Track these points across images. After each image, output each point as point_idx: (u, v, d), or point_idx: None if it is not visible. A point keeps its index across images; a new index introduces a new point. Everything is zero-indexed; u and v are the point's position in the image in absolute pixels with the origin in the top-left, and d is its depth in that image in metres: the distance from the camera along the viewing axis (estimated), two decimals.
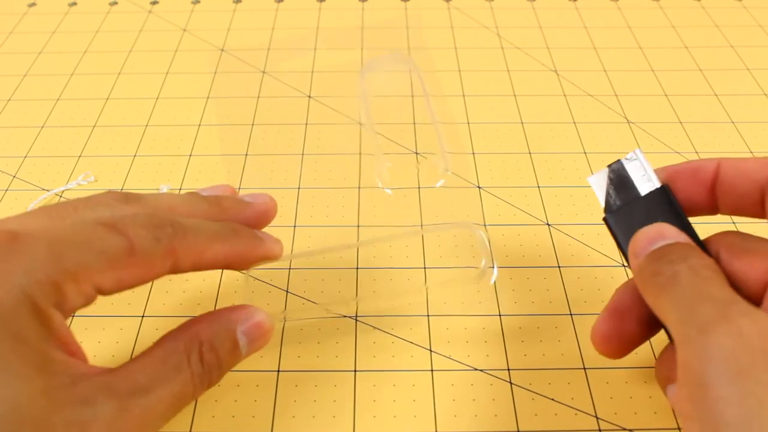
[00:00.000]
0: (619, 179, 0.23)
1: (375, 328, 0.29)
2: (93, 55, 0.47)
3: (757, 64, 0.46)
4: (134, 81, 0.45)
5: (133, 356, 0.20)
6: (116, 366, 0.19)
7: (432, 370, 0.27)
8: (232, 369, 0.22)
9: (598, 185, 0.24)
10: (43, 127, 0.41)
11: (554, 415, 0.26)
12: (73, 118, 0.41)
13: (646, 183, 0.23)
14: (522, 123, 0.41)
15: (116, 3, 0.53)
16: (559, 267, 0.32)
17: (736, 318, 0.17)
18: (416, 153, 0.38)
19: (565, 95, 0.43)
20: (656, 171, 0.23)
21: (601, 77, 0.45)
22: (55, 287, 0.18)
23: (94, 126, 0.41)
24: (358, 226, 0.34)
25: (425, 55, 0.47)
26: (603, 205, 0.23)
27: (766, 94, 0.43)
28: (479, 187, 0.36)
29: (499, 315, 0.29)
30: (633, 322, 0.22)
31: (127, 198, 0.23)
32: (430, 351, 0.28)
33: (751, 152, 0.39)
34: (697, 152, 0.38)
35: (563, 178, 0.37)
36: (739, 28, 0.50)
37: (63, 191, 0.36)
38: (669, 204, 0.23)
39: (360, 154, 0.38)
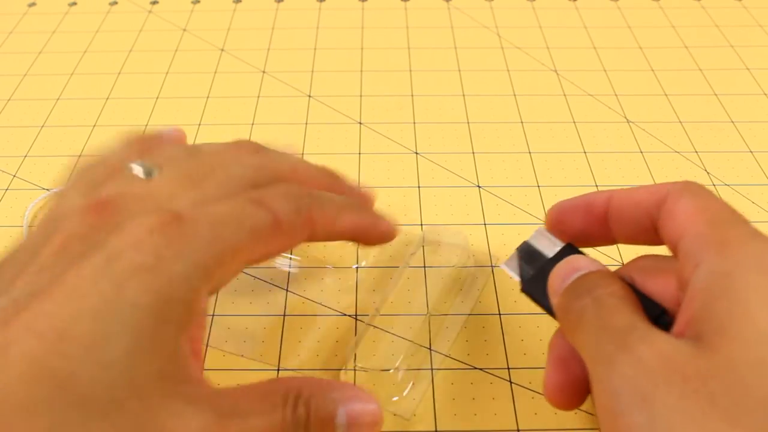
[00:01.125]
0: (529, 254, 0.25)
1: (375, 327, 0.29)
2: (93, 55, 0.47)
3: (757, 64, 0.46)
4: (134, 81, 0.45)
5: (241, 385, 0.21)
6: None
7: (432, 369, 0.27)
8: (233, 368, 0.22)
9: (512, 267, 0.25)
10: (43, 126, 0.41)
11: (554, 414, 0.26)
12: (73, 118, 0.41)
13: (552, 247, 0.24)
14: (522, 123, 0.41)
15: (116, 3, 0.53)
16: None
17: (635, 345, 0.18)
18: (416, 153, 0.38)
19: (565, 95, 0.43)
20: (550, 208, 0.25)
21: (601, 77, 0.45)
22: (213, 269, 0.19)
23: (94, 126, 0.41)
24: None
25: (425, 55, 0.47)
26: (519, 280, 0.25)
27: (766, 94, 0.43)
28: (479, 187, 0.36)
29: (499, 314, 0.29)
30: (579, 367, 0.21)
31: (257, 150, 0.24)
32: (430, 350, 0.28)
33: (751, 152, 0.39)
34: (697, 152, 0.38)
35: (563, 178, 0.37)
36: (739, 28, 0.50)
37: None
38: (578, 252, 0.24)
39: (360, 154, 0.38)
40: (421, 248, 0.32)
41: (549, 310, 0.23)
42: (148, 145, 0.25)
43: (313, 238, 0.23)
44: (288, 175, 0.25)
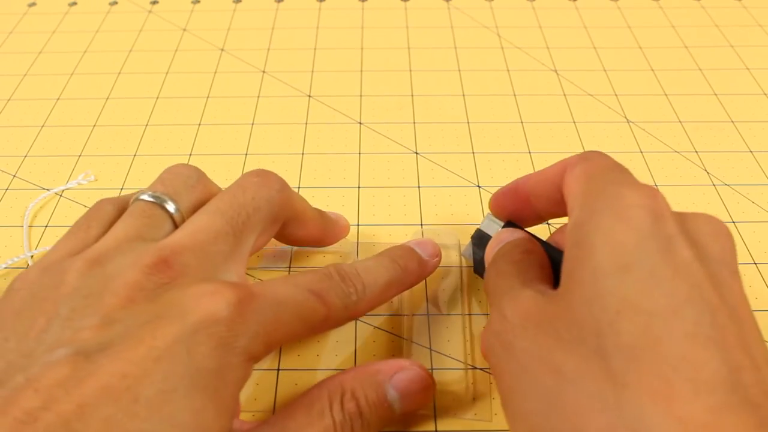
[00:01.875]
0: (479, 239, 0.28)
1: (375, 327, 0.29)
2: (93, 55, 0.47)
3: (757, 63, 0.46)
4: (134, 81, 0.45)
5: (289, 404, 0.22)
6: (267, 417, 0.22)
7: (432, 369, 0.27)
8: None
9: (467, 254, 0.29)
10: (43, 126, 0.41)
11: None
12: (73, 118, 0.41)
13: (495, 228, 0.27)
14: (522, 123, 0.41)
15: (116, 3, 0.53)
16: None
17: (503, 305, 0.21)
18: (416, 153, 0.38)
19: (565, 95, 0.43)
20: (490, 199, 0.28)
21: (601, 77, 0.45)
22: (270, 346, 0.21)
23: (94, 126, 0.41)
24: (358, 225, 0.34)
25: (425, 55, 0.47)
26: (473, 262, 0.28)
27: (766, 94, 0.43)
28: (479, 187, 0.36)
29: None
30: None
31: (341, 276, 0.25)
32: (430, 350, 0.28)
33: (751, 152, 0.39)
34: (697, 152, 0.38)
35: None
36: (739, 28, 0.50)
37: (63, 191, 0.36)
38: (517, 228, 0.27)
39: (360, 154, 0.38)
40: None
41: None
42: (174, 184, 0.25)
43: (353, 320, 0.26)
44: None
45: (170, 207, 0.24)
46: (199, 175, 0.26)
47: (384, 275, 0.25)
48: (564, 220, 0.25)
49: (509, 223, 0.27)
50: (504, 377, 0.20)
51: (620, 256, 0.18)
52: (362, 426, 0.22)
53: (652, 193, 0.20)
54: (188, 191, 0.25)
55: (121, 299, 0.20)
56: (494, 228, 0.27)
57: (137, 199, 0.24)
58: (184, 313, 0.19)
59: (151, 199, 0.24)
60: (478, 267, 0.27)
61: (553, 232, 0.26)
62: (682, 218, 0.20)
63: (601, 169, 0.22)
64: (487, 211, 0.28)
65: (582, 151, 0.38)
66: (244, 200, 0.24)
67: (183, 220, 0.24)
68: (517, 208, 0.26)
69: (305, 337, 0.25)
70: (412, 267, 0.26)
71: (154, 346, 0.18)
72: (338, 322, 0.24)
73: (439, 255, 0.28)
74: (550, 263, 0.24)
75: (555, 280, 0.23)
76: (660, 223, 0.19)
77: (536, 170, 0.26)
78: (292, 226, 0.27)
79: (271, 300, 0.21)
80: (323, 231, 0.29)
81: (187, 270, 0.21)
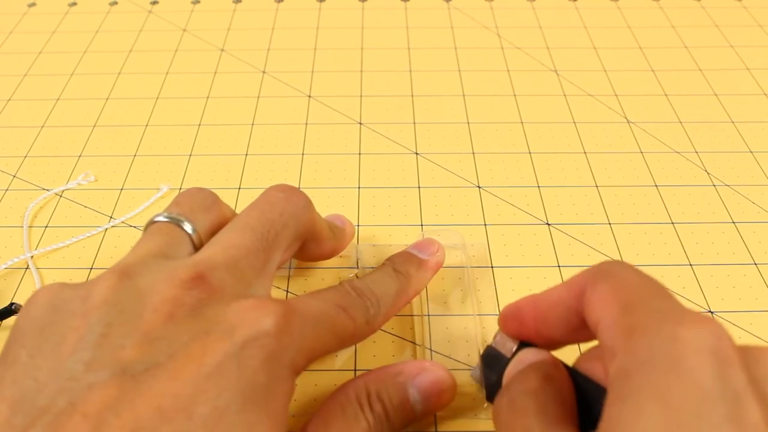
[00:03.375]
0: (492, 358, 0.24)
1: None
2: (93, 55, 0.47)
3: (757, 64, 0.46)
4: (134, 81, 0.45)
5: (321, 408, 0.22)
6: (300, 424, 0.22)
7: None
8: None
9: (477, 376, 0.25)
10: (43, 127, 0.41)
11: None
12: (73, 118, 0.41)
13: (509, 348, 0.23)
14: (522, 123, 0.41)
15: (116, 3, 0.53)
16: (559, 267, 0.32)
17: None
18: (416, 153, 0.38)
19: (565, 95, 0.43)
20: (499, 316, 0.24)
21: (601, 77, 0.45)
22: (307, 360, 0.21)
23: (94, 126, 0.41)
24: (358, 225, 0.34)
25: (425, 55, 0.47)
26: (484, 391, 0.24)
27: (766, 94, 0.43)
28: (479, 187, 0.36)
29: (499, 314, 0.29)
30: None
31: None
32: (431, 350, 0.28)
33: (751, 152, 0.39)
34: (697, 152, 0.38)
35: (563, 178, 0.37)
36: (739, 28, 0.50)
37: (63, 191, 0.36)
38: (533, 347, 0.23)
39: (360, 154, 0.38)
40: None
41: None
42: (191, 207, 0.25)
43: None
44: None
45: (187, 227, 0.24)
46: (214, 199, 0.26)
47: (392, 286, 0.25)
48: (587, 344, 0.22)
49: (524, 344, 0.23)
50: None
51: (677, 426, 0.15)
52: (389, 427, 0.22)
53: (713, 329, 0.16)
54: (204, 213, 0.25)
55: (161, 315, 0.19)
56: (508, 347, 0.23)
57: (152, 221, 0.24)
58: (231, 329, 0.19)
59: (167, 220, 0.24)
60: (491, 393, 0.23)
61: (581, 357, 0.21)
62: (747, 357, 0.16)
63: (636, 292, 0.18)
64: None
65: (583, 150, 0.38)
66: (272, 216, 0.24)
67: (201, 242, 0.24)
68: (523, 334, 0.23)
69: (334, 351, 0.25)
70: (413, 271, 0.26)
71: (205, 363, 0.18)
72: (362, 336, 0.24)
73: (439, 249, 0.28)
74: (576, 394, 0.20)
75: (582, 419, 0.20)
76: (725, 375, 0.15)
77: (541, 293, 0.22)
78: (311, 244, 0.27)
79: (310, 315, 0.21)
80: (335, 247, 0.29)
81: (223, 285, 0.21)
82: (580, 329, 0.20)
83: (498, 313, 0.29)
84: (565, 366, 0.21)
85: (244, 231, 0.23)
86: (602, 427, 0.16)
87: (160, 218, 0.24)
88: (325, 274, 0.31)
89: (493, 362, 0.24)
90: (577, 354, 0.22)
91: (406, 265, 0.27)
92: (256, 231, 0.23)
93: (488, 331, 0.29)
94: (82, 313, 0.19)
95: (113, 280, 0.20)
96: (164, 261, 0.22)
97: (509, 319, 0.23)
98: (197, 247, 0.24)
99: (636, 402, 0.16)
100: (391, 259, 0.27)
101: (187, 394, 0.17)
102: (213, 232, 0.24)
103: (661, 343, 0.16)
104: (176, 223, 0.24)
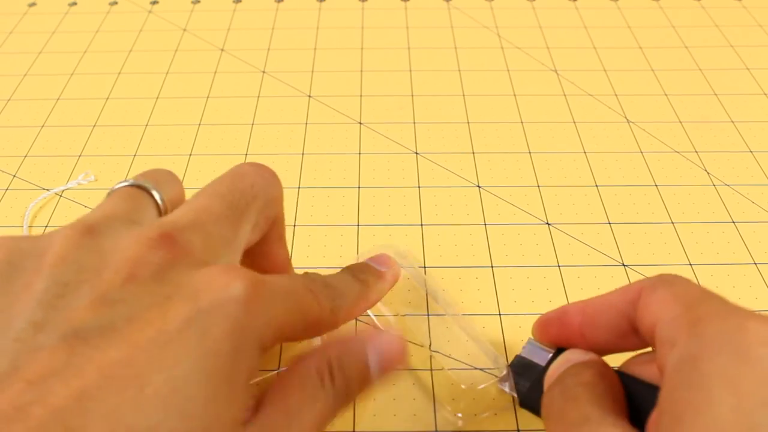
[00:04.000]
0: (522, 367, 0.24)
1: (375, 327, 0.29)
2: (93, 55, 0.47)
3: (757, 64, 0.46)
4: (134, 81, 0.45)
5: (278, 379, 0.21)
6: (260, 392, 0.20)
7: (432, 370, 0.27)
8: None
9: (507, 383, 0.25)
10: (43, 126, 0.41)
11: None
12: (73, 118, 0.41)
13: (544, 356, 0.24)
14: (522, 123, 0.41)
15: (116, 3, 0.53)
16: (559, 266, 0.32)
17: None
18: (416, 153, 0.38)
19: (565, 95, 0.43)
20: (534, 325, 0.24)
21: (601, 77, 0.45)
22: (274, 336, 0.19)
23: (94, 126, 0.41)
24: (358, 225, 0.34)
25: (425, 55, 0.47)
26: (517, 395, 0.24)
27: (766, 94, 0.43)
28: (479, 187, 0.36)
29: (499, 314, 0.29)
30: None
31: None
32: (431, 350, 0.28)
33: (751, 152, 0.39)
34: (697, 152, 0.38)
35: (563, 178, 0.37)
36: (739, 28, 0.50)
37: (63, 191, 0.36)
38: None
39: (360, 154, 0.38)
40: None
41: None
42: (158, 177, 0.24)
43: (331, 329, 0.24)
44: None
45: (155, 194, 0.23)
46: (176, 176, 0.25)
47: (354, 287, 0.25)
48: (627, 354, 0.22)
49: (561, 350, 0.23)
50: None
51: (747, 413, 0.15)
52: (349, 396, 0.22)
53: None
54: (169, 185, 0.24)
55: (122, 276, 0.18)
56: (542, 355, 0.24)
57: (117, 187, 0.23)
58: (196, 293, 0.18)
59: (135, 184, 0.22)
60: (527, 399, 0.23)
61: (628, 361, 0.22)
62: None
63: (698, 295, 0.18)
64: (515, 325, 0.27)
65: (583, 150, 0.38)
66: (243, 186, 0.23)
67: (167, 211, 0.23)
68: (565, 339, 0.23)
69: (301, 337, 0.24)
70: (372, 281, 0.26)
71: (164, 330, 0.17)
72: (327, 325, 0.23)
73: (394, 264, 0.27)
74: (625, 397, 0.20)
75: (633, 419, 0.19)
76: None
77: (590, 298, 0.22)
78: (270, 239, 0.25)
79: (280, 289, 0.20)
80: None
81: (191, 248, 0.19)
82: (629, 336, 0.20)
83: (498, 313, 0.29)
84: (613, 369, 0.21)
85: (213, 197, 0.22)
86: (668, 410, 0.16)
87: (126, 183, 0.22)
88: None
89: (523, 370, 0.24)
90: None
91: (366, 274, 0.26)
92: (226, 198, 0.22)
93: (488, 331, 0.29)
94: (37, 270, 0.18)
95: (74, 236, 0.19)
96: (129, 223, 0.21)
97: (552, 323, 0.23)
98: (163, 215, 0.23)
99: (706, 387, 0.16)
100: (350, 268, 0.26)
101: (141, 361, 0.16)
102: (177, 204, 0.23)
103: (730, 330, 0.16)
104: (143, 188, 0.22)
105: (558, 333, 0.23)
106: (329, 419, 0.21)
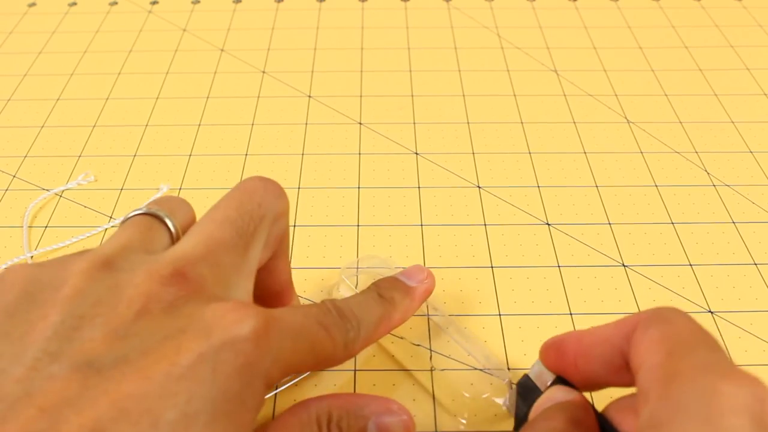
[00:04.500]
0: (526, 389, 0.23)
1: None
2: (93, 55, 0.47)
3: (757, 64, 0.46)
4: (134, 81, 0.45)
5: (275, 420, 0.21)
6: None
7: (432, 370, 0.27)
8: None
9: (509, 405, 0.24)
10: (43, 127, 0.41)
11: None
12: (73, 118, 0.41)
13: (545, 381, 0.23)
14: (522, 123, 0.41)
15: (116, 3, 0.53)
16: (558, 267, 0.32)
17: None
18: (416, 153, 0.38)
19: (565, 95, 0.43)
20: (540, 347, 0.23)
21: (601, 77, 0.45)
22: (282, 374, 0.20)
23: (94, 126, 0.41)
24: (358, 225, 0.34)
25: (425, 55, 0.47)
26: (515, 419, 0.24)
27: (766, 94, 0.43)
28: (479, 187, 0.36)
29: (499, 315, 0.29)
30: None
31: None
32: (430, 350, 0.28)
33: (751, 152, 0.39)
34: (697, 152, 0.38)
35: (563, 178, 0.37)
36: (739, 28, 0.50)
37: (63, 191, 0.36)
38: (566, 384, 0.22)
39: (360, 154, 0.38)
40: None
41: None
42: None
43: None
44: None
45: (168, 222, 0.23)
46: (188, 203, 0.25)
47: (375, 311, 0.24)
48: (624, 390, 0.21)
49: (560, 379, 0.22)
50: None
51: None
52: None
53: (755, 390, 0.15)
54: (181, 211, 0.24)
55: (135, 310, 0.18)
56: (543, 379, 0.23)
57: (131, 215, 0.23)
58: (208, 329, 0.18)
59: (148, 213, 0.23)
60: (519, 424, 0.23)
61: (611, 404, 0.20)
62: None
63: (686, 340, 0.18)
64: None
65: (583, 150, 0.38)
66: (251, 207, 0.23)
67: (179, 237, 0.23)
68: (561, 368, 0.22)
69: (309, 370, 0.24)
70: (399, 298, 0.25)
71: (177, 363, 0.17)
72: (339, 360, 0.23)
73: (429, 277, 0.27)
74: None
75: None
76: None
77: (588, 329, 0.21)
78: (276, 255, 0.25)
79: (291, 326, 0.20)
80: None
81: (203, 282, 0.20)
82: (622, 371, 0.20)
83: (498, 313, 0.29)
84: (595, 411, 0.20)
85: (224, 224, 0.22)
86: None
87: (140, 211, 0.23)
88: (325, 274, 0.31)
89: (526, 393, 0.23)
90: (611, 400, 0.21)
91: (392, 291, 0.26)
92: (235, 224, 0.22)
93: (488, 331, 0.29)
94: (54, 302, 0.18)
95: (90, 270, 0.19)
96: (144, 255, 0.21)
97: (550, 350, 0.22)
98: (175, 242, 0.23)
99: None
100: (377, 284, 0.26)
101: (155, 395, 0.16)
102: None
103: (699, 394, 0.15)
104: (157, 216, 0.23)
105: (555, 360, 0.22)
106: None
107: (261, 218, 0.23)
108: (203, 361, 0.17)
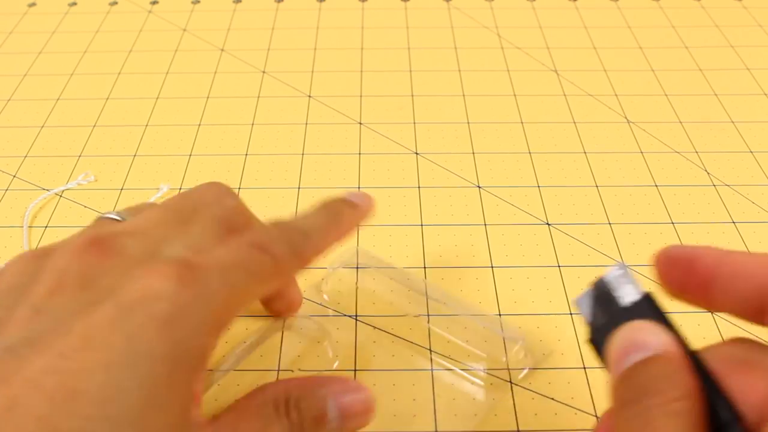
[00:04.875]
0: (603, 295, 0.21)
1: (375, 327, 0.29)
2: (93, 55, 0.47)
3: (757, 64, 0.46)
4: (134, 81, 0.45)
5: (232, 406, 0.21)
6: (212, 415, 0.20)
7: (432, 370, 0.27)
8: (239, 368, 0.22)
9: (584, 307, 0.21)
10: (43, 127, 0.41)
11: (554, 415, 0.26)
12: (73, 118, 0.41)
13: (629, 293, 0.20)
14: (522, 123, 0.41)
15: (116, 3, 0.53)
16: (559, 266, 0.32)
17: None
18: (416, 153, 0.38)
19: (565, 95, 0.43)
20: (659, 255, 0.20)
21: (601, 77, 0.45)
22: (226, 316, 0.19)
23: (94, 126, 0.41)
24: (358, 225, 0.34)
25: (425, 55, 0.47)
26: (589, 326, 0.21)
27: (766, 94, 0.43)
28: (479, 187, 0.36)
29: (499, 314, 0.29)
30: None
31: (230, 192, 0.24)
32: (430, 350, 0.28)
33: (751, 152, 0.39)
34: (697, 152, 0.38)
35: (563, 178, 0.37)
36: (739, 28, 0.50)
37: (63, 191, 0.36)
38: (653, 310, 0.19)
39: (360, 154, 0.38)
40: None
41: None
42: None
43: (303, 269, 0.23)
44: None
45: (119, 219, 0.23)
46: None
47: (321, 218, 0.24)
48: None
49: (647, 298, 0.19)
50: None
51: None
52: None
53: None
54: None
55: (48, 287, 0.18)
56: (626, 292, 0.20)
57: (99, 218, 0.23)
58: (122, 296, 0.17)
59: (116, 217, 0.23)
60: (596, 336, 0.20)
61: (713, 352, 0.17)
62: None
63: None
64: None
65: (583, 150, 0.38)
66: (192, 197, 0.23)
67: None
68: (681, 288, 0.19)
69: (261, 293, 0.23)
70: (345, 209, 0.25)
71: (88, 336, 0.17)
72: (289, 269, 0.22)
73: (371, 199, 0.26)
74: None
75: None
76: None
77: (734, 252, 0.18)
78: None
79: (214, 266, 0.19)
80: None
81: (125, 251, 0.19)
82: (753, 311, 0.17)
83: (498, 313, 0.29)
84: (698, 363, 0.17)
85: (159, 208, 0.22)
86: None
87: (108, 215, 0.23)
88: (325, 274, 0.31)
89: (603, 299, 0.20)
90: None
91: (337, 204, 0.25)
92: (171, 208, 0.22)
93: (488, 331, 0.29)
94: None
95: (22, 262, 0.20)
96: None
97: (676, 265, 0.19)
98: None
99: None
100: (322, 201, 0.26)
101: (68, 370, 0.16)
102: None
103: None
104: (113, 219, 0.23)
105: (678, 277, 0.19)
106: None
107: (204, 204, 0.23)
108: (115, 329, 0.17)
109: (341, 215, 0.25)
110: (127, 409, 0.16)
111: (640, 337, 0.17)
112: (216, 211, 0.23)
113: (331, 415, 0.21)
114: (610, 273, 0.21)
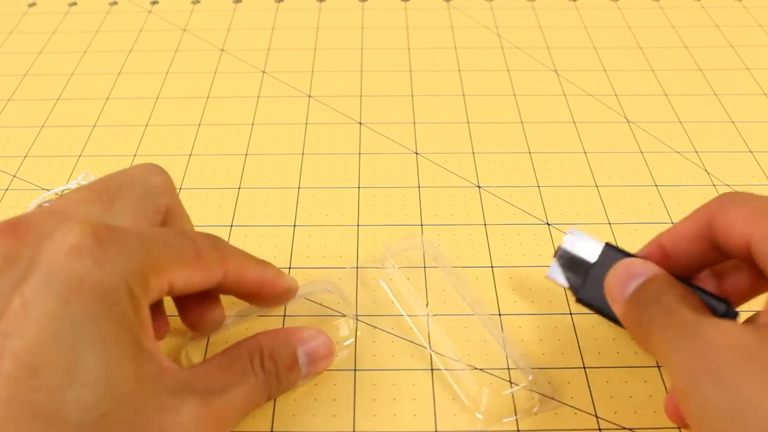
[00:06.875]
0: (570, 261, 0.24)
1: (375, 327, 0.29)
2: (93, 55, 0.47)
3: (757, 64, 0.46)
4: (134, 81, 0.45)
5: (205, 360, 0.22)
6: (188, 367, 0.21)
7: (432, 369, 0.27)
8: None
9: (557, 276, 0.25)
10: (43, 127, 0.41)
11: (554, 415, 0.26)
12: (73, 118, 0.41)
13: (591, 250, 0.24)
14: (522, 123, 0.41)
15: (116, 3, 0.53)
16: None
17: (703, 330, 0.19)
18: (416, 153, 0.38)
19: (565, 95, 0.43)
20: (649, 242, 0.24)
21: (601, 77, 0.45)
22: (145, 277, 0.19)
23: (94, 126, 0.41)
24: (358, 225, 0.34)
25: (425, 55, 0.47)
26: (571, 290, 0.24)
27: (766, 94, 0.43)
28: (479, 187, 0.36)
29: (499, 314, 0.29)
30: None
31: (161, 171, 0.25)
32: (430, 350, 0.28)
33: (751, 152, 0.39)
34: (697, 152, 0.38)
35: (563, 178, 0.37)
36: (739, 28, 0.50)
37: (63, 191, 0.36)
38: (620, 252, 0.24)
39: (360, 154, 0.38)
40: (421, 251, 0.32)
41: (609, 316, 0.23)
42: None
43: (226, 280, 0.23)
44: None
45: None
46: None
47: (252, 256, 0.25)
48: None
49: (609, 246, 0.24)
50: (709, 403, 0.17)
51: None
52: (278, 386, 0.23)
53: None
54: None
55: None
56: (589, 250, 0.24)
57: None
58: (41, 266, 0.18)
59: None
60: (585, 295, 0.24)
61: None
62: None
63: None
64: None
65: (583, 150, 0.38)
66: (116, 176, 0.24)
67: None
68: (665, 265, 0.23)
69: (187, 281, 0.22)
70: (281, 273, 0.25)
71: (25, 310, 0.17)
72: (212, 264, 0.22)
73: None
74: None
75: None
76: None
77: (665, 232, 0.23)
78: (169, 223, 0.25)
79: (135, 233, 0.20)
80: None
81: (41, 228, 0.20)
82: (707, 256, 0.22)
83: (498, 313, 0.29)
84: (682, 279, 0.22)
85: (82, 188, 0.23)
86: None
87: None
88: (325, 274, 0.31)
89: (572, 264, 0.24)
90: None
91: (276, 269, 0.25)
92: (92, 188, 0.23)
93: (488, 331, 0.29)
94: None
95: None
96: None
97: (653, 258, 0.23)
98: None
99: None
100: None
101: (22, 349, 0.17)
102: None
103: None
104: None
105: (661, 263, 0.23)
106: (257, 401, 0.22)
107: (127, 184, 0.23)
108: (46, 295, 0.17)
109: (275, 268, 0.25)
110: (91, 370, 0.17)
111: (630, 269, 0.22)
112: (139, 190, 0.23)
113: (300, 361, 0.24)
114: (567, 240, 0.24)
